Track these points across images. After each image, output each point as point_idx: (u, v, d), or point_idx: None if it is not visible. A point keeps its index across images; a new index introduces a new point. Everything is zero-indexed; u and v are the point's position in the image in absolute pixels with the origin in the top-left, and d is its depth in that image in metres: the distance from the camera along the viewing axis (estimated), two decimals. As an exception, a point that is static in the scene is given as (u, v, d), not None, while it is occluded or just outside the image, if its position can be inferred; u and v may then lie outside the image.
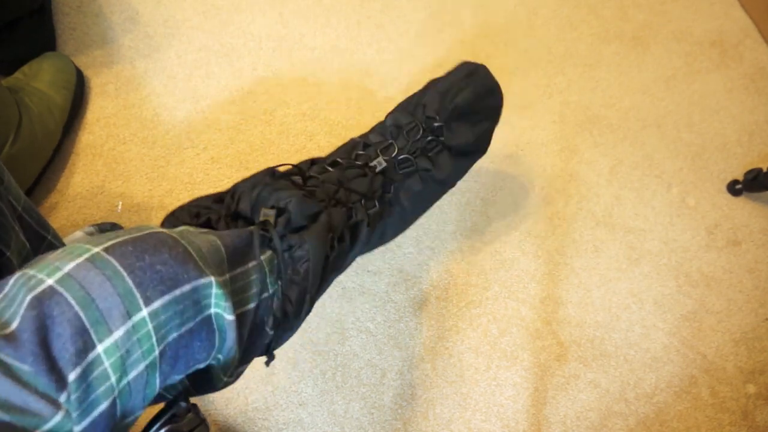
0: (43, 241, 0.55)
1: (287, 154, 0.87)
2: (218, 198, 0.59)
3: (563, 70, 1.00)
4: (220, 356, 0.43)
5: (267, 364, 0.54)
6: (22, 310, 0.32)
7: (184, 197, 0.83)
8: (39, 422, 0.31)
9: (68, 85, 0.82)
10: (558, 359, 0.81)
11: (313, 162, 0.65)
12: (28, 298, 0.32)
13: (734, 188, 0.93)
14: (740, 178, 0.93)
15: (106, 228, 0.75)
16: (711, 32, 1.07)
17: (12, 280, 0.33)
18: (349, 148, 0.68)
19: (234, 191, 0.57)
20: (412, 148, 0.66)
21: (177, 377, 0.41)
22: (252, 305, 0.45)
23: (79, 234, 0.73)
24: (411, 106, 0.70)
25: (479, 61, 1.00)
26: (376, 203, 0.63)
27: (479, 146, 0.71)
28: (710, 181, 0.94)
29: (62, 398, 0.31)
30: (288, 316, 0.51)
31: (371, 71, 0.95)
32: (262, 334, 0.48)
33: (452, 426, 0.76)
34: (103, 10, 0.93)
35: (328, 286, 0.61)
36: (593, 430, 0.78)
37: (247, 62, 0.93)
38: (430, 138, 0.67)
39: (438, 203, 0.86)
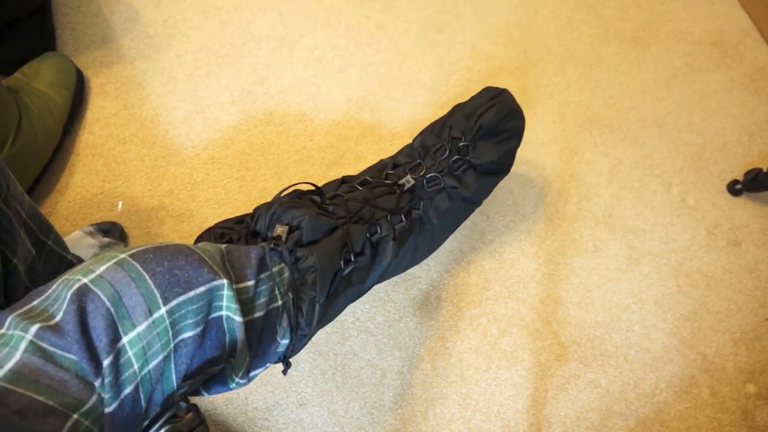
0: (43, 247, 0.55)
1: (287, 154, 0.87)
2: (239, 219, 0.63)
3: (563, 70, 1.00)
4: (232, 359, 0.47)
5: (284, 372, 0.56)
6: (64, 306, 0.36)
7: (184, 197, 0.83)
8: (78, 405, 0.34)
9: (68, 85, 0.82)
10: (558, 359, 0.81)
11: (343, 181, 0.68)
12: (69, 294, 0.37)
13: (734, 188, 0.93)
14: (740, 178, 0.93)
15: (105, 227, 0.75)
16: (711, 32, 1.07)
17: (54, 285, 0.38)
18: (379, 168, 0.71)
19: (254, 212, 0.60)
20: (439, 167, 0.69)
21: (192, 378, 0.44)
22: (260, 314, 0.48)
23: (78, 233, 0.73)
24: (437, 128, 0.73)
25: (479, 60, 1.01)
26: (403, 218, 0.65)
27: (503, 165, 0.73)
28: (710, 181, 0.94)
29: (98, 383, 0.36)
30: (300, 325, 0.54)
31: (371, 71, 0.95)
32: (273, 341, 0.51)
33: (452, 426, 0.76)
34: (102, 10, 0.93)
35: (355, 298, 0.63)
36: (593, 430, 0.78)
37: (247, 62, 0.93)
38: (456, 157, 0.70)
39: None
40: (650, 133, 0.97)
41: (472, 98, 0.73)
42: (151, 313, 0.38)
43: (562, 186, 0.91)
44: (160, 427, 0.43)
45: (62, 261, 0.59)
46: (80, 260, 0.64)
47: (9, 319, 0.35)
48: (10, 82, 0.79)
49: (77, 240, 0.72)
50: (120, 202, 0.81)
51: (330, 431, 0.74)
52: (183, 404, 0.44)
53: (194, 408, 0.45)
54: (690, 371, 0.82)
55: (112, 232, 0.75)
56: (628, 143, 0.95)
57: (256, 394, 0.75)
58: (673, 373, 0.82)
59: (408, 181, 0.68)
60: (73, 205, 0.80)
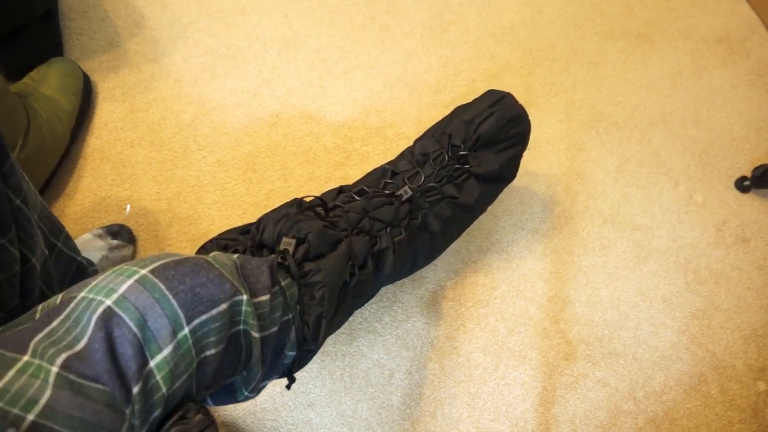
0: (53, 248, 0.55)
1: (293, 156, 0.87)
2: (244, 230, 0.62)
3: (568, 69, 0.99)
4: (245, 372, 0.47)
5: (288, 387, 0.56)
6: (89, 331, 0.35)
7: (192, 200, 0.83)
8: None
9: (76, 90, 0.82)
10: (566, 358, 0.81)
11: (340, 190, 0.67)
12: (94, 318, 0.36)
13: (742, 185, 0.92)
14: (748, 174, 0.92)
15: (114, 230, 0.76)
16: (717, 29, 1.06)
17: (73, 304, 0.37)
18: (378, 175, 0.70)
19: (259, 223, 0.59)
20: (438, 176, 0.68)
21: (207, 389, 0.45)
22: (275, 329, 0.48)
23: (87, 236, 0.74)
24: (437, 134, 0.71)
25: (484, 60, 1.01)
26: (402, 231, 0.64)
27: (505, 173, 0.71)
28: (718, 177, 0.94)
29: (128, 410, 0.35)
30: (306, 340, 0.53)
31: (376, 72, 0.95)
32: (282, 355, 0.51)
33: (461, 426, 0.76)
34: (108, 15, 0.94)
35: (353, 310, 0.63)
36: (602, 429, 0.78)
37: (253, 65, 0.93)
38: (456, 165, 0.68)
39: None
40: (657, 130, 0.96)
41: (474, 102, 0.72)
42: (175, 334, 0.38)
43: (568, 184, 0.91)
44: (170, 428, 0.43)
45: (72, 263, 0.59)
46: (90, 263, 0.64)
47: (32, 345, 0.34)
48: (18, 88, 0.80)
49: (86, 242, 0.73)
50: (128, 206, 0.82)
51: (338, 431, 0.75)
52: (192, 405, 0.44)
53: (204, 409, 0.45)
54: (699, 369, 0.82)
55: (120, 235, 0.76)
56: (634, 141, 0.95)
57: (265, 395, 0.75)
58: (682, 371, 0.82)
59: (405, 191, 0.67)
60: (82, 209, 0.81)
